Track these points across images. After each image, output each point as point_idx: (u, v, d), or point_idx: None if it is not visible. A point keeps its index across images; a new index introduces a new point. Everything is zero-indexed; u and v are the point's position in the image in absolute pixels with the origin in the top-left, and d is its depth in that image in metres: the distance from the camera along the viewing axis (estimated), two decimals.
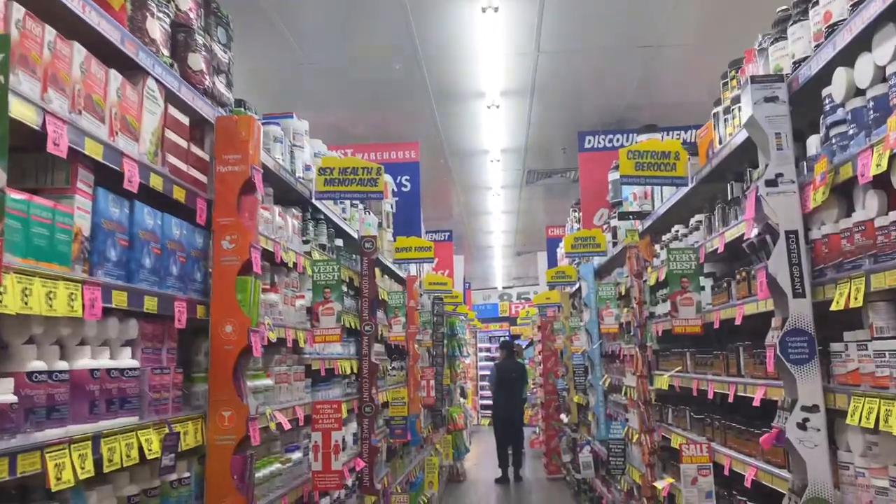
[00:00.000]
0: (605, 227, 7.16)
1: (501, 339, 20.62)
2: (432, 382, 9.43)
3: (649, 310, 5.32)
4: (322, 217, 4.51)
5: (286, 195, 3.99)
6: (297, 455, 3.78)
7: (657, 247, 5.27)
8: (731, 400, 3.49)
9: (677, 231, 4.61)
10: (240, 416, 2.57)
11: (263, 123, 3.75)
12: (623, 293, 6.42)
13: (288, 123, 4.07)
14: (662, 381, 4.93)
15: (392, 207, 7.51)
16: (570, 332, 9.97)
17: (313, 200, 4.26)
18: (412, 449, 8.11)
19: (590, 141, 7.99)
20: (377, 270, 6.58)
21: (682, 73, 7.36)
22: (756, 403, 3.10)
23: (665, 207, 4.83)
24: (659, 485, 4.79)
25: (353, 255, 5.43)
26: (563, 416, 11.60)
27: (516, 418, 12.15)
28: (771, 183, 2.58)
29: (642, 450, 5.33)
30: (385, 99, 7.81)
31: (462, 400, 15.06)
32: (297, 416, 3.73)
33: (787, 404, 2.57)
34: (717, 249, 3.68)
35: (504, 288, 24.69)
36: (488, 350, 23.56)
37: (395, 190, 7.78)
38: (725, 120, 3.49)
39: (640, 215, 5.48)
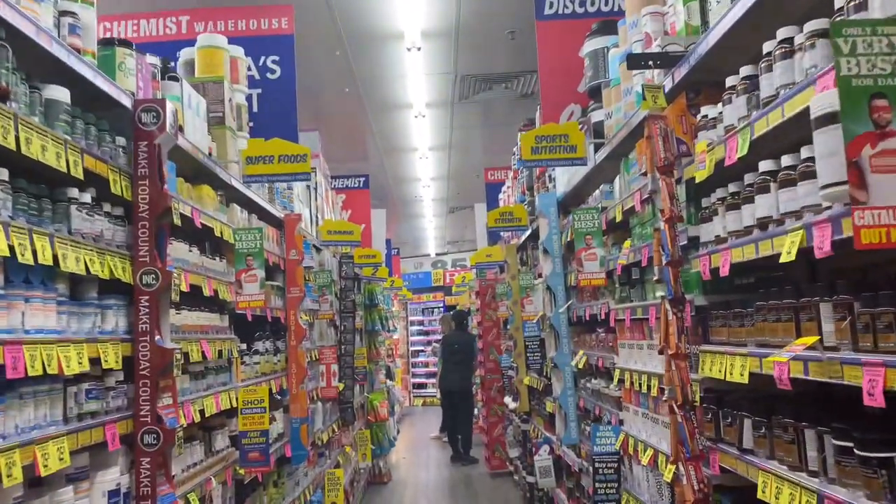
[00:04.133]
0: (582, 127, 4.65)
1: (436, 310, 18.78)
2: (335, 368, 6.89)
3: (690, 232, 2.85)
4: None
5: None
6: None
7: (699, 116, 2.79)
8: None
9: (784, 47, 2.10)
10: None
11: None
12: (616, 219, 3.94)
13: None
14: (732, 365, 2.48)
15: (252, 103, 4.81)
16: (519, 294, 7.57)
17: None
18: (299, 467, 5.51)
19: (552, 5, 5.41)
20: (214, 194, 3.92)
21: None
22: None
23: (731, 19, 2.31)
24: None
25: (117, 139, 2.77)
26: (507, 401, 9.46)
27: (456, 392, 11.21)
28: None
29: (678, 490, 2.88)
30: None
31: (389, 383, 12.55)
32: None
33: None
34: None
35: (437, 255, 22.70)
36: (420, 323, 21.34)
37: (257, 77, 5.03)
38: None
39: (667, 60, 2.97)
